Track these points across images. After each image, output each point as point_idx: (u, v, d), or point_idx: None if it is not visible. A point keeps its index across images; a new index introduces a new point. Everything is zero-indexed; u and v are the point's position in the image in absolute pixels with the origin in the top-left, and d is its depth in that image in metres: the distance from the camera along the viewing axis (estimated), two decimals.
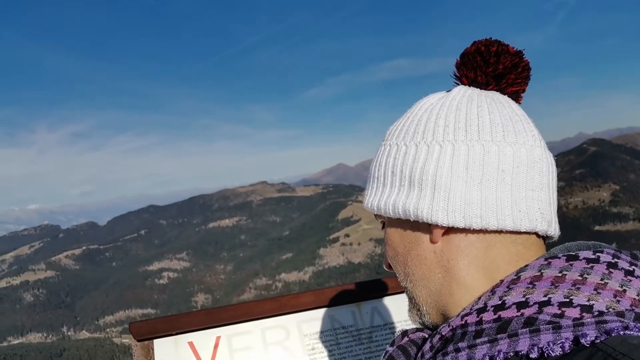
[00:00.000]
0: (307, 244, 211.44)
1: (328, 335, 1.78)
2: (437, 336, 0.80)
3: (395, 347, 0.91)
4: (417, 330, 0.92)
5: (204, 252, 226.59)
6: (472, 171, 0.81)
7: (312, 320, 1.80)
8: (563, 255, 0.77)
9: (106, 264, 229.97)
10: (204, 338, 1.71)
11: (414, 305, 0.92)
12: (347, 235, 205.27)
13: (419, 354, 0.84)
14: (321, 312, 1.82)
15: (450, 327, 0.78)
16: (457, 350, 0.73)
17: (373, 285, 1.87)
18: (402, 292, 1.81)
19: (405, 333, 0.93)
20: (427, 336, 0.88)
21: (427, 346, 0.82)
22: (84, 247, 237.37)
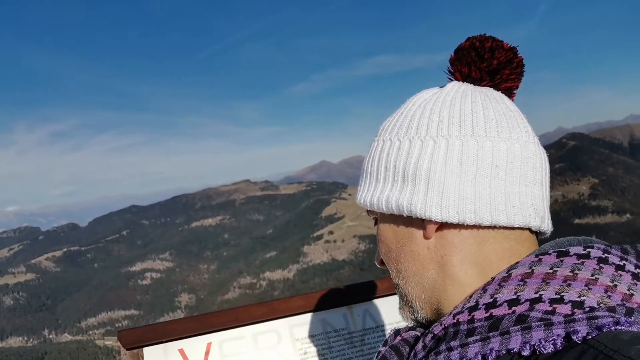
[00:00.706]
0: (291, 241, 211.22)
1: (320, 339, 1.77)
2: (430, 335, 0.80)
3: (387, 347, 0.91)
4: (410, 329, 0.92)
5: (188, 252, 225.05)
6: (466, 166, 0.81)
7: (304, 324, 1.79)
8: (554, 252, 0.77)
9: (88, 266, 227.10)
10: (194, 345, 1.69)
11: (405, 302, 0.92)
12: (331, 233, 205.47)
13: (412, 354, 0.83)
14: (313, 315, 1.81)
15: (443, 326, 0.78)
16: (450, 349, 0.73)
17: (364, 288, 1.86)
18: (394, 294, 1.84)
19: (397, 332, 0.93)
20: (419, 335, 0.88)
21: (419, 345, 0.82)
22: (65, 249, 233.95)
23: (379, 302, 1.87)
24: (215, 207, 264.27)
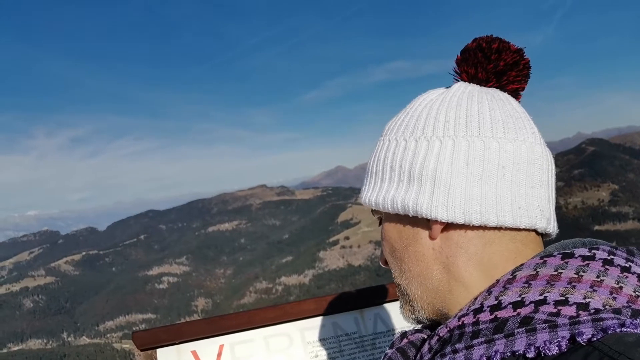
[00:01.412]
0: (307, 247, 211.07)
1: (331, 343, 1.78)
2: (435, 337, 0.80)
3: (394, 349, 0.91)
4: (417, 331, 0.92)
5: (204, 257, 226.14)
6: (473, 167, 0.80)
7: (315, 327, 1.80)
8: (558, 254, 0.77)
9: (106, 270, 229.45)
10: (207, 347, 1.71)
11: (406, 301, 0.92)
12: (346, 238, 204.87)
13: (418, 356, 0.84)
14: (324, 319, 1.81)
15: (448, 328, 0.78)
16: (455, 351, 0.73)
17: (376, 292, 1.86)
18: None
19: (404, 335, 0.93)
20: (426, 337, 0.88)
21: (425, 347, 0.82)
22: (84, 253, 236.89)
23: (390, 307, 1.87)
24: (232, 212, 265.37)
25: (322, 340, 1.78)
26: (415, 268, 0.87)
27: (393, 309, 1.87)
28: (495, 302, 0.74)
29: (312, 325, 1.80)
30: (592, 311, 0.68)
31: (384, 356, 0.92)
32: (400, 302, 0.95)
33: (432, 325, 0.91)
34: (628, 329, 0.64)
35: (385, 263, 0.96)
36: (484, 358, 0.69)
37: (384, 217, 0.94)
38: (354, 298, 1.84)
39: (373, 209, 0.93)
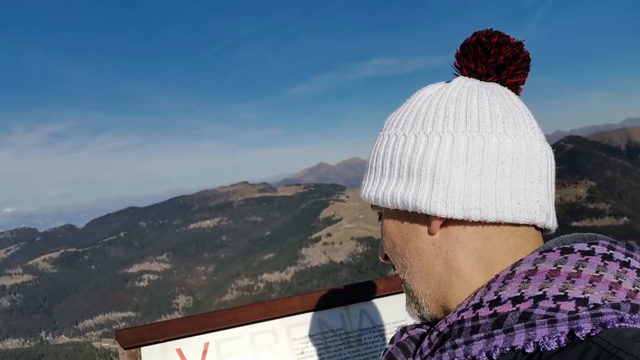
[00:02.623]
0: (289, 243, 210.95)
1: (317, 339, 1.78)
2: (435, 332, 0.80)
3: (394, 344, 0.91)
4: (417, 326, 0.92)
5: (185, 254, 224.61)
6: (472, 162, 0.80)
7: (301, 324, 1.79)
8: (558, 249, 0.77)
9: (85, 267, 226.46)
10: (192, 344, 1.70)
11: (412, 298, 0.91)
12: (328, 235, 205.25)
13: (418, 351, 0.84)
14: (310, 315, 1.81)
15: (447, 324, 0.78)
16: (454, 346, 0.73)
17: (361, 288, 1.87)
18: (390, 294, 1.88)
19: (404, 330, 0.93)
20: (426, 332, 0.88)
21: (425, 343, 0.82)
22: (62, 250, 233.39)
23: (376, 303, 1.87)
24: (213, 209, 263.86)
25: (308, 336, 1.78)
26: (416, 263, 0.87)
27: (378, 305, 1.87)
28: (495, 298, 0.75)
29: (298, 322, 1.79)
30: (591, 306, 0.68)
31: (384, 351, 0.92)
32: (406, 299, 0.94)
33: (432, 321, 0.91)
34: (627, 324, 0.64)
35: (385, 258, 0.96)
36: (483, 353, 0.69)
37: (383, 212, 0.94)
38: (339, 294, 1.85)
39: (373, 204, 0.93)
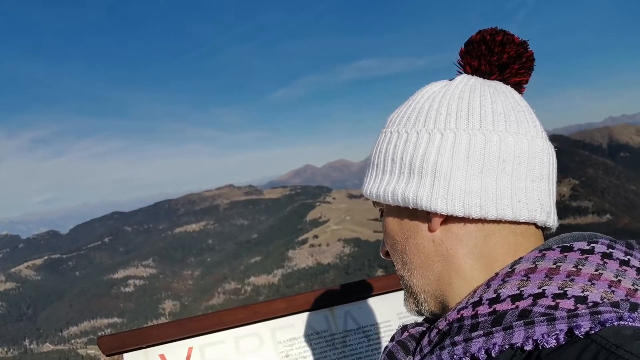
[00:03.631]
0: (276, 246, 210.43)
1: (302, 342, 1.78)
2: (435, 330, 0.81)
3: (394, 342, 0.91)
4: (417, 324, 0.92)
5: (171, 258, 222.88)
6: (473, 160, 0.80)
7: (286, 327, 1.79)
8: (557, 247, 0.77)
9: (69, 274, 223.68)
10: (175, 350, 1.68)
11: (410, 294, 0.92)
12: (315, 237, 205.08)
13: (418, 349, 0.84)
14: (294, 318, 1.81)
15: (447, 321, 0.78)
16: (454, 344, 0.73)
17: (346, 290, 1.87)
18: (375, 295, 1.89)
19: (405, 328, 0.93)
20: (426, 330, 0.89)
21: (425, 340, 0.82)
22: (46, 257, 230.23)
23: (360, 304, 1.88)
24: (199, 213, 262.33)
25: (293, 339, 1.78)
26: (416, 260, 0.87)
27: (363, 306, 1.87)
28: (494, 295, 0.75)
29: (283, 325, 1.79)
30: (590, 304, 0.68)
31: (385, 349, 0.92)
32: (404, 295, 0.95)
33: (432, 318, 0.91)
34: (626, 322, 0.64)
35: (386, 254, 0.97)
36: (483, 351, 0.70)
37: (385, 209, 0.94)
38: (323, 296, 1.84)
39: (374, 200, 0.94)
